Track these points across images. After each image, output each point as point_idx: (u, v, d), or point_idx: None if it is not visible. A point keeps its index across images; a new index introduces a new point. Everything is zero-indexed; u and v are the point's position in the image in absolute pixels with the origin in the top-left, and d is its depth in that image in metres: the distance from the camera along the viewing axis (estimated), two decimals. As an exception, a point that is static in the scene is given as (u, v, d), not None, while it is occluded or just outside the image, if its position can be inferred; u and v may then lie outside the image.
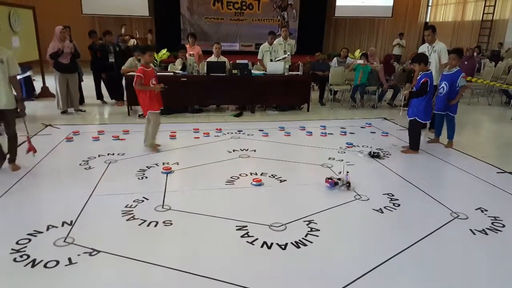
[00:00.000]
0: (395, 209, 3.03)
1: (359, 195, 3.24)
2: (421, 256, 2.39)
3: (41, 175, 3.56)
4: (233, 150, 4.39)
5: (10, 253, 2.29)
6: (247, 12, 14.68)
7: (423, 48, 5.33)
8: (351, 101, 7.27)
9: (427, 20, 16.08)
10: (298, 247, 2.44)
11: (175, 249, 2.44)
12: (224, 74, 6.30)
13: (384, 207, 3.04)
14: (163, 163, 3.86)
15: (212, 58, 6.64)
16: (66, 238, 2.47)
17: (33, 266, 2.18)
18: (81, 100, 6.66)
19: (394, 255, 2.37)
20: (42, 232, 2.53)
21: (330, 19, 15.66)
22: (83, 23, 12.74)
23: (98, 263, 2.24)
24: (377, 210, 2.99)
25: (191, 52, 6.95)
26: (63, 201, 3.03)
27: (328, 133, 5.24)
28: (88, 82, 7.17)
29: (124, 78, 6.12)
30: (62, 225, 2.62)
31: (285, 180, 3.56)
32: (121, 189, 3.28)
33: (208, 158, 4.09)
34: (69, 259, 2.25)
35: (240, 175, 3.64)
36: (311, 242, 2.49)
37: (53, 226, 2.60)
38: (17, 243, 2.40)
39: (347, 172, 3.41)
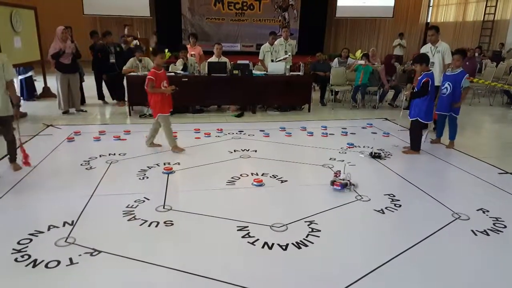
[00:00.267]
0: (396, 209, 3.02)
1: (360, 195, 3.23)
2: (422, 257, 2.38)
3: (42, 175, 3.56)
4: (234, 151, 4.39)
5: (11, 253, 2.30)
6: (248, 13, 14.69)
7: (426, 48, 5.31)
8: (352, 102, 7.27)
9: (428, 21, 16.06)
10: (299, 247, 2.44)
11: (176, 250, 2.44)
12: (225, 75, 6.30)
13: (385, 208, 3.03)
14: (164, 163, 3.87)
15: (213, 59, 6.64)
16: (67, 238, 2.47)
17: (34, 266, 2.19)
18: (82, 100, 6.67)
19: (396, 256, 2.37)
20: (43, 232, 2.54)
21: (331, 20, 15.66)
22: (84, 23, 12.77)
23: (99, 263, 2.24)
24: (378, 211, 2.98)
25: (192, 53, 6.96)
26: (64, 201, 3.03)
27: (329, 134, 5.24)
28: (89, 82, 7.19)
29: (125, 78, 6.13)
30: (63, 225, 2.63)
31: (286, 181, 3.55)
32: (122, 189, 3.28)
33: (209, 159, 4.09)
34: (70, 259, 2.25)
35: (241, 175, 3.64)
36: (312, 243, 2.49)
37: (54, 226, 2.61)
38: (18, 243, 2.40)
39: (349, 173, 3.41)
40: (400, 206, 3.08)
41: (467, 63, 8.00)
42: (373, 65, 7.40)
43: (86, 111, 6.30)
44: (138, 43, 7.93)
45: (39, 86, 7.71)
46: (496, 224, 2.81)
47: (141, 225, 2.68)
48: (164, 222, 2.71)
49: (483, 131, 6.20)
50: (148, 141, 4.42)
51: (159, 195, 3.15)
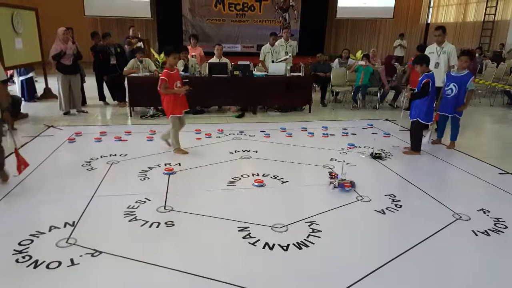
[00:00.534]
0: (397, 210, 3.02)
1: (361, 196, 3.23)
2: (423, 257, 2.38)
3: (44, 176, 3.56)
4: (235, 151, 4.39)
5: (13, 254, 2.30)
6: (248, 14, 14.71)
7: (432, 49, 5.28)
8: (352, 102, 7.27)
9: (429, 21, 16.06)
10: (300, 248, 2.44)
11: (177, 250, 2.44)
12: (226, 75, 6.31)
13: (386, 208, 3.03)
14: (165, 164, 3.87)
15: (214, 59, 6.65)
16: (68, 239, 2.48)
17: (35, 267, 2.19)
18: (83, 101, 6.68)
19: (396, 256, 2.37)
20: (44, 233, 2.54)
21: (331, 20, 15.67)
22: (85, 24, 12.80)
23: (100, 264, 2.24)
24: (379, 211, 2.98)
25: (193, 53, 6.97)
26: (66, 202, 3.04)
27: (330, 134, 5.24)
28: (90, 83, 7.20)
29: (126, 79, 6.14)
30: (65, 226, 2.63)
31: (287, 181, 3.56)
32: (123, 190, 3.28)
33: (210, 159, 4.10)
34: (71, 260, 2.25)
35: (241, 176, 3.64)
36: (313, 243, 2.49)
37: (55, 227, 2.61)
38: (19, 244, 2.40)
39: (345, 172, 3.42)
40: (400, 206, 3.08)
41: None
42: (373, 65, 7.41)
43: (87, 112, 6.31)
44: (142, 45, 7.92)
45: (40, 87, 7.73)
46: (497, 225, 2.81)
47: (142, 225, 2.68)
48: (165, 223, 2.72)
49: (484, 132, 6.19)
50: (164, 136, 4.39)
51: (160, 196, 3.15)
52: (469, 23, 14.05)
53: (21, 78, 7.22)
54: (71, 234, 2.54)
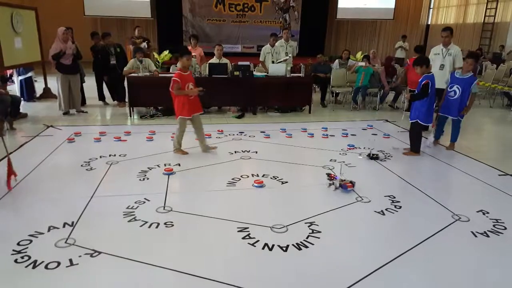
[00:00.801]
0: (397, 211, 3.02)
1: (360, 197, 3.23)
2: (422, 258, 2.38)
3: (42, 176, 3.56)
4: (235, 152, 4.39)
5: (11, 254, 2.29)
6: (249, 14, 14.71)
7: (437, 50, 5.25)
8: (352, 103, 7.27)
9: (429, 23, 16.08)
10: (300, 249, 2.44)
11: (177, 251, 2.43)
12: (226, 76, 6.31)
13: (386, 209, 3.03)
14: (165, 165, 3.87)
15: (214, 60, 6.65)
16: (67, 239, 2.47)
17: (34, 267, 2.18)
18: (83, 101, 6.68)
19: (396, 257, 2.36)
20: (43, 233, 2.53)
21: (332, 21, 15.68)
22: (85, 24, 12.78)
23: (99, 265, 2.23)
24: (378, 212, 2.98)
25: (193, 54, 6.96)
26: (65, 202, 3.03)
27: (330, 135, 5.24)
28: (90, 83, 7.20)
29: (126, 79, 6.13)
30: (64, 226, 2.62)
31: (286, 182, 3.55)
32: (122, 190, 3.28)
33: (210, 160, 4.09)
34: (70, 260, 2.24)
35: (241, 176, 3.64)
36: (313, 244, 2.49)
37: (54, 227, 2.61)
38: (18, 244, 2.40)
39: (343, 173, 3.41)
40: (400, 207, 3.08)
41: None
42: (373, 66, 7.41)
43: (86, 112, 6.31)
44: (146, 45, 7.89)
45: (39, 87, 7.72)
46: (496, 226, 2.81)
47: (141, 226, 2.68)
48: (165, 223, 2.71)
49: (483, 133, 6.20)
50: (201, 146, 4.34)
51: (159, 196, 3.15)
52: (469, 24, 14.06)
53: (20, 77, 7.22)
54: (70, 234, 2.53)
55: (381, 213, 2.98)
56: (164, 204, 3.01)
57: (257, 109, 6.71)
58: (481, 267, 2.34)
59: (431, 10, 16.10)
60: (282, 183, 3.54)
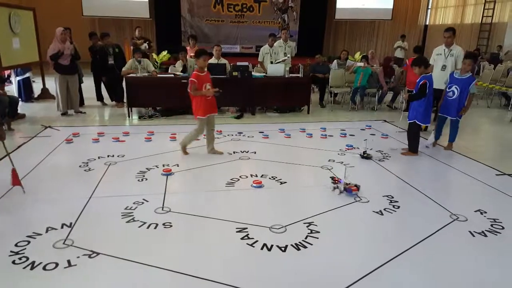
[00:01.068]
0: (395, 211, 3.03)
1: (359, 197, 3.23)
2: (420, 258, 2.39)
3: (41, 177, 3.55)
4: (234, 152, 4.39)
5: (9, 255, 2.29)
6: (247, 14, 14.71)
7: (439, 50, 5.23)
8: (351, 103, 7.28)
9: (427, 23, 16.10)
10: (298, 249, 2.44)
11: (175, 251, 2.43)
12: (225, 76, 6.30)
13: (384, 209, 3.04)
14: (163, 165, 3.86)
15: (213, 60, 6.63)
16: (65, 240, 2.47)
17: (32, 268, 2.18)
18: (81, 102, 6.67)
19: (394, 257, 2.37)
20: (41, 234, 2.53)
21: (330, 22, 15.70)
22: (83, 24, 12.77)
23: (97, 265, 2.23)
24: (377, 212, 2.99)
25: (191, 54, 6.97)
26: (63, 203, 3.02)
27: (328, 135, 5.24)
28: (88, 84, 7.18)
29: (124, 79, 6.13)
30: (62, 227, 2.62)
31: (285, 182, 3.55)
32: (121, 191, 3.27)
33: (208, 160, 4.09)
34: (68, 261, 2.24)
35: (240, 177, 3.64)
36: (311, 244, 2.49)
37: (52, 228, 2.60)
38: (16, 245, 2.39)
39: (348, 175, 3.40)
40: (398, 207, 3.09)
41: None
42: (371, 67, 7.42)
43: (85, 112, 6.30)
44: (147, 46, 7.88)
45: (37, 87, 7.70)
46: (494, 226, 2.81)
47: (139, 227, 2.67)
48: (163, 224, 2.71)
49: (481, 133, 6.21)
50: (208, 147, 4.32)
51: (158, 197, 3.15)
52: (467, 25, 14.09)
53: (18, 78, 7.20)
54: (68, 235, 2.53)
55: (380, 213, 2.98)
56: (163, 205, 3.01)
57: (256, 110, 6.71)
58: (479, 266, 2.34)
59: (429, 10, 16.12)
60: (281, 183, 3.54)
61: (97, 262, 2.26)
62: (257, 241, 2.51)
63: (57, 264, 2.21)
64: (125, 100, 6.47)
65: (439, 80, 4.83)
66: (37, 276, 2.12)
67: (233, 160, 4.15)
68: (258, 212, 2.99)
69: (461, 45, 5.30)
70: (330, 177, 3.54)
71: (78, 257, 2.28)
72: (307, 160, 4.23)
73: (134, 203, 3.02)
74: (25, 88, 7.26)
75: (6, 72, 7.65)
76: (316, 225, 2.73)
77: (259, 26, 14.73)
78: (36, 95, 7.50)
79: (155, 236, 2.58)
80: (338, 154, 4.43)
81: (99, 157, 4.10)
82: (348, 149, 4.61)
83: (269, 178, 3.62)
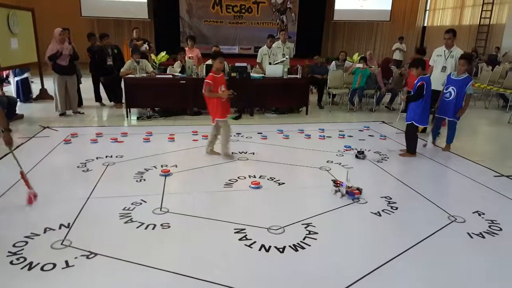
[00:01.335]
0: (393, 212, 3.03)
1: (357, 198, 3.24)
2: (418, 260, 2.39)
3: (39, 177, 3.54)
4: (232, 153, 4.39)
5: (7, 256, 2.28)
6: (246, 15, 14.73)
7: (440, 51, 5.23)
8: (349, 105, 7.29)
9: (425, 25, 16.16)
10: (296, 250, 2.44)
11: (173, 252, 2.43)
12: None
13: (382, 210, 3.04)
14: (162, 166, 3.86)
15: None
16: (63, 240, 2.46)
17: (29, 269, 2.17)
18: (80, 102, 6.66)
19: (392, 258, 2.37)
20: (39, 235, 2.52)
21: (328, 23, 15.74)
22: (82, 25, 12.76)
23: (95, 266, 2.23)
24: (375, 213, 2.99)
25: (190, 55, 6.97)
26: (61, 203, 3.02)
27: (327, 136, 5.25)
28: (86, 84, 7.18)
29: (123, 80, 6.12)
30: (60, 228, 2.61)
31: (283, 183, 3.56)
32: (119, 191, 3.27)
33: (207, 161, 4.09)
34: (66, 262, 2.24)
35: (238, 177, 3.64)
36: (309, 245, 2.49)
37: (50, 229, 2.60)
38: (13, 245, 2.39)
39: (350, 179, 3.39)
40: (396, 208, 3.09)
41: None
42: (370, 68, 7.44)
43: (83, 113, 6.29)
44: (148, 47, 7.86)
45: (36, 88, 7.69)
46: (492, 227, 2.82)
47: (138, 227, 2.67)
48: (161, 225, 2.71)
49: (479, 134, 6.23)
50: (208, 147, 4.30)
51: (156, 198, 3.14)
52: (465, 26, 14.15)
53: (17, 78, 7.19)
54: (66, 235, 2.52)
55: (378, 214, 2.99)
56: (161, 206, 3.01)
57: (254, 110, 6.71)
58: (477, 268, 2.35)
59: (427, 12, 16.19)
60: (279, 184, 3.54)
61: (95, 262, 2.25)
62: (255, 242, 2.51)
63: (55, 265, 2.20)
64: (123, 101, 6.46)
65: (439, 81, 4.84)
66: (35, 277, 2.11)
67: (231, 161, 4.15)
68: (256, 213, 2.99)
69: (459, 46, 5.30)
70: (332, 180, 3.49)
71: (76, 257, 2.28)
72: (305, 161, 4.23)
73: (132, 203, 3.01)
74: (24, 89, 7.25)
75: (5, 73, 7.64)
76: (314, 226, 2.73)
77: (257, 27, 14.75)
78: (34, 96, 7.48)
79: (153, 237, 2.57)
80: (337, 155, 4.43)
81: (97, 158, 4.09)
82: (346, 150, 4.62)
83: (268, 179, 3.62)
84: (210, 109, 4.14)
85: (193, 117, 6.26)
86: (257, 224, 2.74)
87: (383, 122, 6.31)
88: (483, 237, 2.68)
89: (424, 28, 16.13)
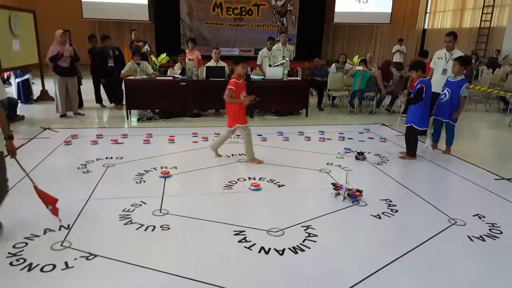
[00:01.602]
0: (393, 215, 3.03)
1: (357, 200, 3.24)
2: (418, 263, 2.39)
3: (39, 179, 3.50)
4: (232, 155, 4.39)
5: (7, 257, 2.28)
6: (246, 18, 14.76)
7: (440, 54, 5.22)
8: (349, 107, 7.30)
9: (425, 27, 16.19)
10: (296, 252, 2.44)
11: (173, 254, 2.43)
12: (223, 79, 6.31)
13: (382, 213, 3.04)
14: (161, 167, 3.86)
15: (211, 63, 6.66)
16: (63, 242, 2.46)
17: (29, 270, 2.17)
18: (80, 104, 6.67)
19: (392, 261, 2.37)
20: (39, 236, 2.53)
21: (329, 25, 15.76)
22: (83, 27, 12.79)
23: (94, 267, 2.23)
24: (375, 216, 2.99)
25: (190, 57, 6.98)
26: (61, 204, 2.99)
27: (327, 139, 5.25)
28: (87, 86, 7.19)
29: (123, 82, 6.13)
30: (59, 229, 2.62)
31: (283, 185, 3.56)
32: (119, 193, 3.27)
33: (206, 163, 4.09)
34: (66, 263, 2.24)
35: (238, 179, 3.64)
36: (309, 248, 2.49)
37: (50, 230, 2.60)
38: (13, 246, 2.39)
39: (349, 181, 3.38)
40: (396, 211, 3.09)
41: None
42: (370, 70, 7.45)
43: (83, 114, 6.30)
44: (149, 48, 7.88)
45: (37, 89, 7.70)
46: (492, 230, 2.82)
47: (137, 229, 2.67)
48: (161, 226, 2.71)
49: (480, 137, 6.23)
50: (213, 146, 4.29)
51: (156, 199, 3.14)
52: (465, 29, 14.17)
53: (18, 80, 7.20)
54: (66, 237, 2.52)
55: (378, 216, 2.98)
56: (161, 207, 3.01)
57: (254, 112, 6.72)
58: (477, 271, 2.34)
59: (427, 14, 16.21)
60: (279, 186, 3.54)
61: (95, 264, 2.25)
62: (254, 244, 2.51)
63: (54, 266, 2.20)
64: (124, 102, 6.47)
65: (439, 84, 4.84)
66: (34, 278, 2.11)
67: (231, 163, 4.15)
68: (256, 215, 2.99)
69: (459, 49, 5.30)
70: (332, 184, 3.47)
71: (75, 259, 2.28)
72: (305, 163, 4.23)
73: (132, 205, 3.01)
74: (24, 90, 7.26)
75: (6, 74, 7.66)
76: (314, 229, 2.73)
77: (258, 29, 14.77)
78: (35, 97, 7.50)
79: (152, 238, 2.57)
80: (337, 157, 4.44)
81: (97, 159, 4.09)
82: (346, 152, 4.62)
83: (267, 181, 3.62)
84: (230, 115, 4.08)
85: (193, 119, 6.26)
86: (257, 226, 2.74)
87: (383, 124, 6.31)
88: (484, 240, 2.68)
89: (424, 30, 16.15)
